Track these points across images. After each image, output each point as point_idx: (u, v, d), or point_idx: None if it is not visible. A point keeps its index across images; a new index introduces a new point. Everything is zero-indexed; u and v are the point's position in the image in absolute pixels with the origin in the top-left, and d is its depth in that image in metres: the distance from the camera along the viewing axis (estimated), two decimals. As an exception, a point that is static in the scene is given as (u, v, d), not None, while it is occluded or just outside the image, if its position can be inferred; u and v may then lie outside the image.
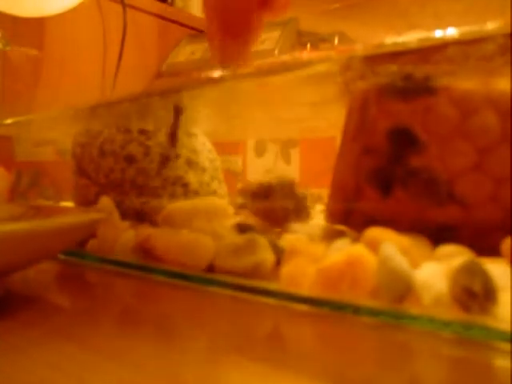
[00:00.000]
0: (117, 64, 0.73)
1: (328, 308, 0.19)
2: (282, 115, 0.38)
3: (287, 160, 0.53)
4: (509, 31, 0.17)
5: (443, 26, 0.19)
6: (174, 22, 0.89)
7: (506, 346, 0.15)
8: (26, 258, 0.20)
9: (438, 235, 0.21)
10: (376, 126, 0.25)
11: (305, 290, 0.20)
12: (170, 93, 0.30)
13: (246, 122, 0.42)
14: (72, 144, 0.39)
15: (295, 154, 0.53)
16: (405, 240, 0.20)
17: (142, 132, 0.36)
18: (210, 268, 0.24)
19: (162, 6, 0.90)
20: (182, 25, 0.90)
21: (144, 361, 0.15)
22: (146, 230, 0.28)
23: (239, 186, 0.48)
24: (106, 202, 0.31)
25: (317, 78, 0.25)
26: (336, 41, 0.24)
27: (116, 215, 0.31)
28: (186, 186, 0.36)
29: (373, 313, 0.18)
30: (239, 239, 0.24)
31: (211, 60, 0.27)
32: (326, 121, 0.37)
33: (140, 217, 0.35)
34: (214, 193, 0.37)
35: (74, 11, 0.64)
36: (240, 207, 0.33)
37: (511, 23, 0.17)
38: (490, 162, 0.22)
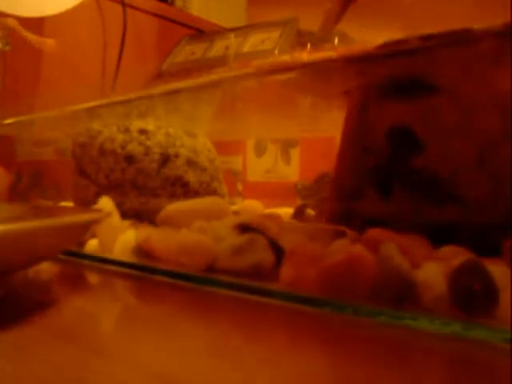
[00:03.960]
0: (117, 64, 0.74)
1: (328, 308, 0.19)
2: (282, 115, 0.38)
3: (287, 160, 0.53)
4: (508, 31, 0.17)
5: (443, 27, 0.19)
6: (174, 22, 0.89)
7: (506, 346, 0.15)
8: (26, 258, 0.20)
9: (438, 235, 0.21)
10: (376, 125, 0.25)
11: (305, 290, 0.20)
12: (170, 93, 0.30)
13: (246, 122, 0.42)
14: (72, 144, 0.39)
15: (295, 153, 0.53)
16: (405, 240, 0.20)
17: (142, 132, 0.36)
18: (210, 268, 0.24)
19: (162, 5, 0.90)
20: (182, 25, 0.90)
21: (144, 361, 0.15)
22: (146, 231, 0.28)
23: (239, 186, 0.48)
24: (105, 201, 0.31)
25: (317, 77, 0.25)
26: (336, 41, 0.24)
27: (116, 215, 0.31)
28: (185, 185, 0.36)
29: (373, 313, 0.18)
30: (239, 239, 0.24)
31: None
32: (326, 120, 0.37)
33: (140, 217, 0.35)
34: (214, 193, 0.37)
35: (73, 11, 0.64)
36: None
37: (511, 23, 0.17)
38: (490, 162, 0.22)
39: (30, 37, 0.58)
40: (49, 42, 0.60)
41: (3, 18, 0.54)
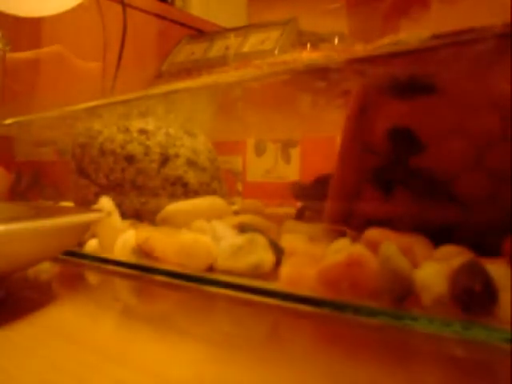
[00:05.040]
0: (117, 64, 0.73)
1: (328, 308, 0.19)
2: (282, 115, 0.38)
3: (287, 160, 0.53)
4: (508, 31, 0.17)
5: (443, 27, 0.19)
6: (174, 21, 0.89)
7: (506, 346, 0.15)
8: (26, 258, 0.20)
9: (438, 235, 0.21)
10: (376, 125, 0.25)
11: (305, 290, 0.20)
12: (169, 93, 0.30)
13: (246, 122, 0.42)
14: (72, 144, 0.39)
15: (295, 153, 0.53)
16: (405, 240, 0.20)
17: (142, 132, 0.36)
18: (210, 268, 0.24)
19: (162, 5, 0.90)
20: (182, 25, 0.90)
21: (144, 361, 0.15)
22: (146, 231, 0.28)
23: (239, 186, 0.48)
24: (105, 201, 0.31)
25: (317, 77, 0.25)
26: (336, 41, 0.24)
27: (116, 215, 0.31)
28: (185, 186, 0.36)
29: (373, 313, 0.18)
30: (239, 239, 0.24)
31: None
32: (326, 120, 0.37)
33: (140, 217, 0.35)
34: (214, 193, 0.37)
35: (73, 11, 0.63)
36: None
37: (511, 23, 0.17)
38: (489, 162, 0.22)
39: (76, 62, 0.58)
40: (93, 66, 0.61)
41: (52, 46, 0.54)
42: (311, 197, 0.35)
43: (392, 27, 0.24)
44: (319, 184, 0.35)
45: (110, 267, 0.29)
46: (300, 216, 0.34)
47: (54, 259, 0.30)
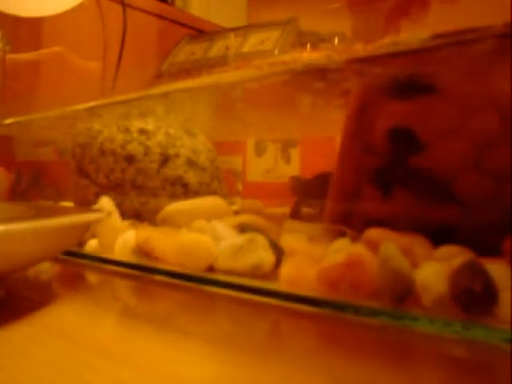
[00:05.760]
0: (117, 64, 0.73)
1: (328, 308, 0.19)
2: (282, 115, 0.38)
3: (287, 160, 0.53)
4: (508, 31, 0.17)
5: (443, 27, 0.19)
6: (174, 22, 0.89)
7: (506, 346, 0.15)
8: (26, 258, 0.20)
9: (437, 235, 0.21)
10: (376, 125, 0.25)
11: (305, 290, 0.20)
12: (169, 93, 0.30)
13: (246, 122, 0.42)
14: (72, 144, 0.39)
15: (295, 153, 0.53)
16: (405, 240, 0.20)
17: (142, 132, 0.36)
18: (210, 268, 0.24)
19: (162, 5, 0.90)
20: (182, 25, 0.90)
21: (144, 360, 0.15)
22: (146, 231, 0.28)
23: (239, 186, 0.48)
24: (105, 201, 0.31)
25: (317, 77, 0.25)
26: (336, 41, 0.24)
27: (116, 215, 0.31)
28: (185, 186, 0.36)
29: (373, 313, 0.18)
30: (239, 239, 0.24)
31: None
32: (326, 120, 0.37)
33: (140, 217, 0.35)
34: (214, 193, 0.37)
35: (74, 11, 0.63)
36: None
37: (511, 23, 0.17)
38: (489, 162, 0.22)
39: (76, 62, 0.58)
40: (93, 65, 0.61)
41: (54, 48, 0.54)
42: (310, 193, 0.35)
43: (394, 27, 0.24)
44: (319, 181, 0.35)
45: (110, 267, 0.28)
46: (295, 212, 0.34)
47: (54, 259, 0.30)
